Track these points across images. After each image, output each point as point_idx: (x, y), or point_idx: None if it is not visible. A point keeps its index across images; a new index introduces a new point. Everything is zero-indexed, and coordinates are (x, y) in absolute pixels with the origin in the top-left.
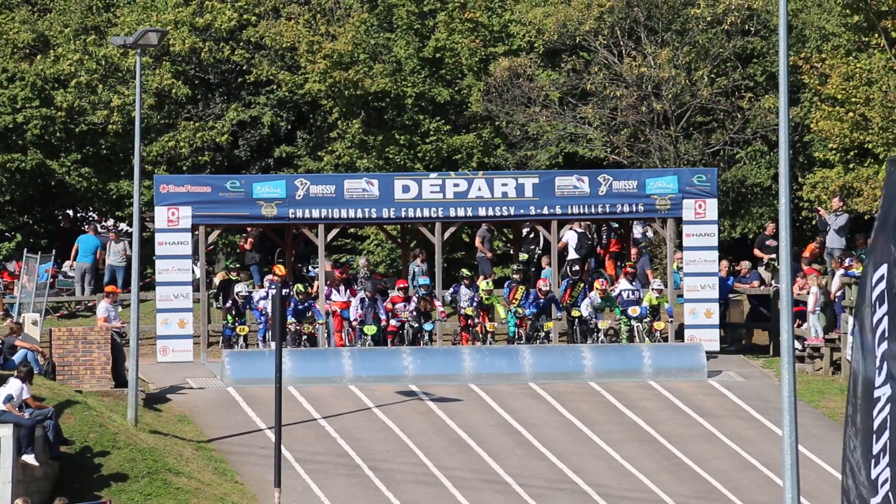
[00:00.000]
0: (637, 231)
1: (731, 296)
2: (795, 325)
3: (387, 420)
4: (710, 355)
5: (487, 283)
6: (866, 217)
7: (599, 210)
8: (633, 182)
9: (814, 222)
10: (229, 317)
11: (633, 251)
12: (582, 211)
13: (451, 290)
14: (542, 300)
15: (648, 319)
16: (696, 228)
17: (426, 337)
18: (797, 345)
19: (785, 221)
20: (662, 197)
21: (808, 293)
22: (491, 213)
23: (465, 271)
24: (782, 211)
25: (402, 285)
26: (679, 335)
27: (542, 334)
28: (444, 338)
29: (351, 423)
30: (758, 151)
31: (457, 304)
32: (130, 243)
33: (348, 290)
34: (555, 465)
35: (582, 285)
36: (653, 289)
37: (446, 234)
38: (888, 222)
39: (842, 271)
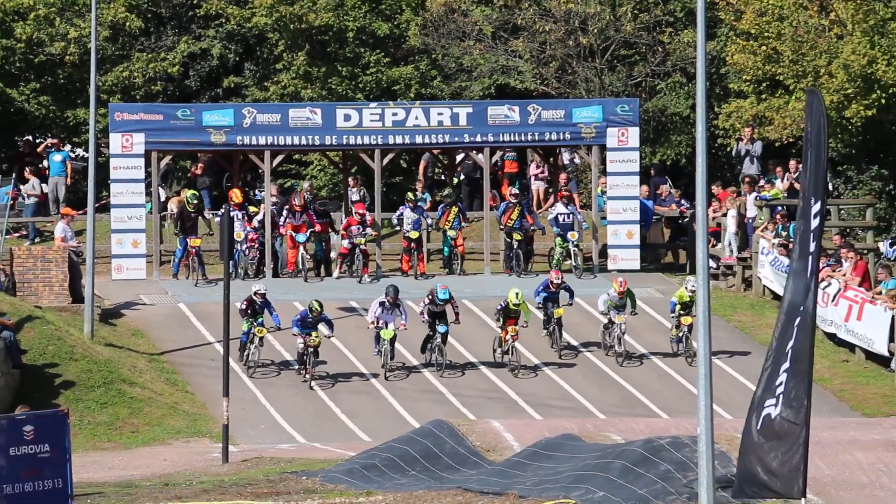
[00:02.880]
0: (565, 158)
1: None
2: (710, 245)
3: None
4: (630, 271)
5: (517, 294)
6: (777, 144)
7: (529, 138)
8: (561, 112)
9: (729, 149)
10: (245, 323)
11: (563, 176)
12: (512, 139)
13: (397, 213)
14: (553, 291)
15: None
16: (619, 155)
17: (438, 339)
18: (712, 263)
19: (701, 148)
20: (588, 126)
21: (725, 215)
22: (427, 140)
23: (409, 195)
24: (699, 138)
25: (360, 210)
26: (602, 255)
27: (554, 321)
28: (386, 258)
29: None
30: (677, 83)
31: (401, 226)
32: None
33: (304, 215)
34: (486, 377)
35: (519, 209)
36: (686, 288)
37: (385, 161)
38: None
39: (755, 195)
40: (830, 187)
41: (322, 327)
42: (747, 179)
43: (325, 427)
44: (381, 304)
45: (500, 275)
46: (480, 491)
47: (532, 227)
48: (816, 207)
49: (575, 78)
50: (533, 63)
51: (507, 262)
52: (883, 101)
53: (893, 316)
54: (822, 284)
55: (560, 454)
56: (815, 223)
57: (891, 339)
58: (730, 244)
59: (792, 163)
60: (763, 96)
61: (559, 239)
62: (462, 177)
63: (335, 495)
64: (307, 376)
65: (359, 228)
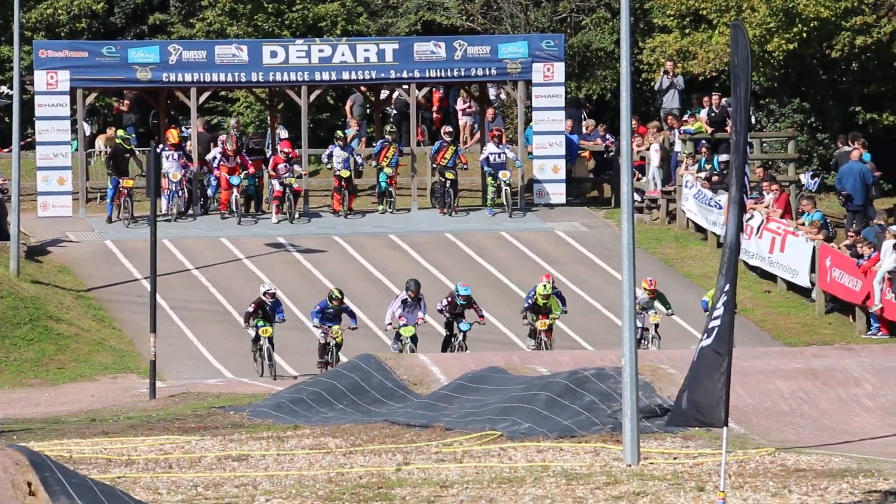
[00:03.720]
0: (491, 93)
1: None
2: (635, 179)
3: (256, 270)
4: (556, 206)
5: (545, 286)
6: (700, 79)
7: (455, 74)
8: (487, 47)
9: (653, 84)
10: (250, 329)
11: (490, 111)
12: (439, 75)
13: (327, 151)
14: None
15: None
16: (545, 90)
17: (460, 337)
18: (636, 197)
19: (625, 83)
20: (514, 61)
21: (649, 149)
22: (354, 77)
23: (339, 132)
24: (623, 73)
25: (285, 148)
26: (528, 189)
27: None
28: (315, 196)
29: (222, 273)
30: (602, 18)
31: (332, 163)
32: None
33: (237, 157)
34: None
35: (454, 148)
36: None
37: (312, 97)
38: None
39: (678, 129)
40: (753, 120)
41: (346, 319)
42: (671, 114)
43: (254, 363)
44: (403, 301)
45: (427, 210)
46: (407, 424)
47: (465, 166)
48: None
49: (500, 14)
50: None
51: (438, 201)
52: (804, 34)
53: (815, 247)
54: (746, 217)
55: (486, 387)
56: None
57: (812, 270)
58: (654, 178)
59: (715, 98)
60: (687, 31)
61: (490, 179)
62: (395, 111)
63: (262, 429)
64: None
65: (286, 167)
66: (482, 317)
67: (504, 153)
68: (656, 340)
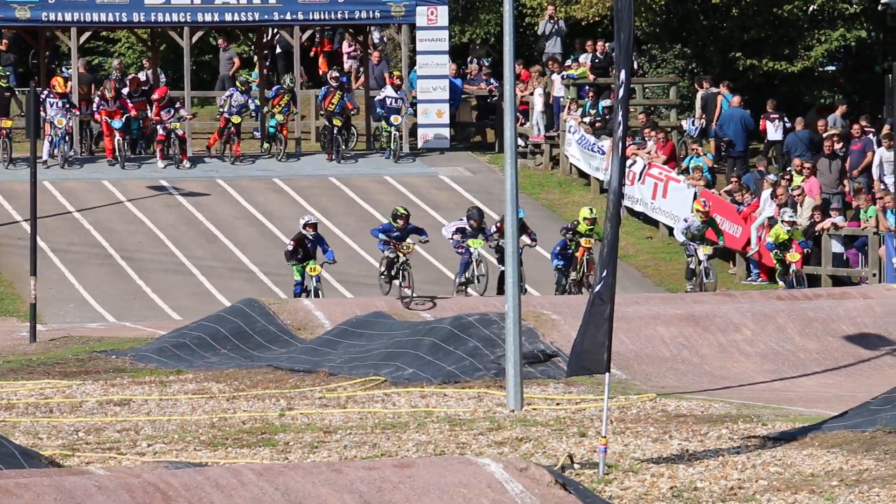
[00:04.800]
0: (375, 36)
1: (464, 96)
2: (518, 124)
3: (138, 213)
4: (440, 151)
5: (591, 209)
6: (583, 23)
7: (339, 16)
8: None
9: (535, 28)
10: (295, 269)
11: (375, 55)
12: (322, 17)
13: (227, 93)
14: (570, 248)
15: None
16: (429, 34)
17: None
18: (520, 142)
19: (508, 27)
20: (397, 4)
21: (532, 94)
22: (237, 18)
23: (244, 77)
24: (506, 17)
25: (161, 94)
26: (413, 133)
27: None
28: (201, 139)
29: (104, 215)
30: None
31: (227, 107)
32: None
33: (117, 101)
34: None
35: (340, 94)
36: (783, 221)
37: (194, 38)
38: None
39: (562, 74)
40: (635, 66)
41: (414, 237)
42: (553, 59)
43: (135, 306)
44: (461, 230)
45: (314, 155)
46: (291, 369)
47: (353, 111)
48: (623, 85)
49: None
50: None
51: (327, 147)
52: None
53: (696, 193)
54: (629, 163)
55: (370, 332)
56: (621, 101)
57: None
58: (537, 123)
59: (599, 43)
60: None
61: (384, 123)
62: (278, 49)
63: (145, 374)
64: (404, 292)
65: (169, 112)
66: (534, 240)
67: (402, 99)
68: (710, 272)
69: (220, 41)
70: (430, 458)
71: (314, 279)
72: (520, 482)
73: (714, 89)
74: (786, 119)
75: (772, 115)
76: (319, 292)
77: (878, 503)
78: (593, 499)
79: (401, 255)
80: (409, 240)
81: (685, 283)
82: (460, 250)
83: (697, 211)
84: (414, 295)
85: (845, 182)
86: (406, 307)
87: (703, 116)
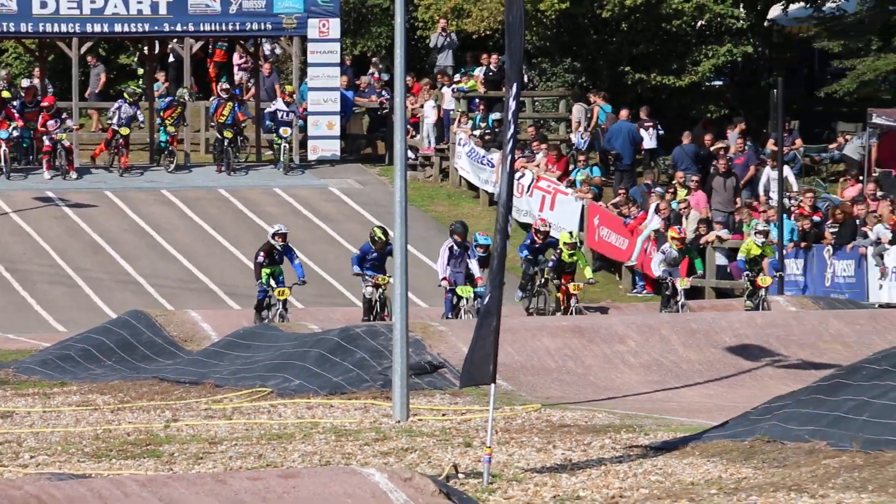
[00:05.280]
0: (266, 48)
1: (355, 108)
2: (409, 136)
3: (24, 225)
4: (330, 163)
5: (571, 234)
6: (475, 37)
7: (230, 28)
8: (262, 2)
9: (427, 41)
10: (264, 272)
11: (266, 66)
12: (214, 28)
13: (115, 105)
14: (538, 244)
15: None
16: (320, 46)
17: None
18: (410, 154)
19: (399, 40)
20: (289, 16)
21: (423, 107)
22: (127, 29)
23: (131, 88)
24: (398, 30)
25: (47, 103)
26: (303, 145)
27: (539, 283)
28: (88, 150)
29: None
30: None
31: (116, 119)
32: None
33: (2, 111)
34: (184, 266)
35: (231, 105)
36: (756, 232)
37: (83, 49)
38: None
39: (452, 87)
40: (526, 79)
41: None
42: (443, 72)
43: (20, 318)
44: (450, 249)
45: (204, 166)
46: (177, 380)
47: (244, 123)
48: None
49: None
50: None
51: (217, 159)
52: None
53: (584, 206)
54: (518, 175)
55: (258, 343)
56: (511, 114)
57: (581, 228)
58: (428, 135)
59: (493, 57)
60: None
61: (275, 136)
62: (172, 58)
63: (28, 386)
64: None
65: (56, 123)
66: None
67: (292, 111)
68: (685, 307)
69: (89, 59)
70: (315, 469)
71: (280, 302)
72: (404, 492)
73: (581, 104)
74: (659, 127)
75: (646, 123)
76: (283, 318)
77: None
78: None
79: (379, 288)
80: (387, 274)
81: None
82: (445, 284)
83: (672, 238)
84: None
85: (738, 200)
86: None
87: (588, 130)
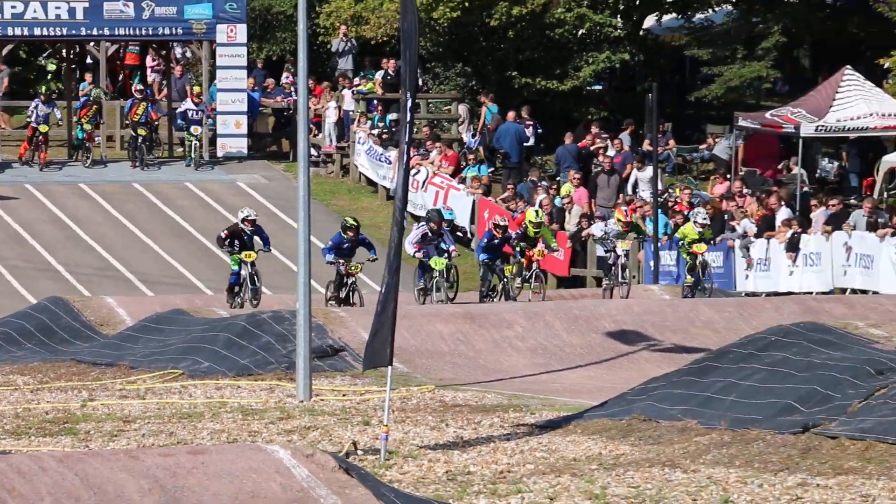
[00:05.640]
0: (177, 51)
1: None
2: (311, 135)
3: None
4: (238, 160)
5: (537, 212)
6: (373, 42)
7: (143, 32)
8: (174, 8)
9: (329, 46)
10: (231, 258)
11: (178, 69)
12: (128, 33)
13: (32, 105)
14: (497, 239)
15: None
16: (228, 50)
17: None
18: (313, 152)
19: (303, 44)
20: (199, 22)
21: (325, 107)
22: (45, 33)
23: (43, 87)
24: (301, 35)
25: None
26: (212, 143)
27: (503, 283)
28: (9, 145)
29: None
30: None
31: (34, 117)
32: None
33: None
34: (101, 256)
35: (145, 105)
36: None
37: (4, 52)
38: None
39: (352, 89)
40: (420, 82)
41: (363, 252)
42: (344, 75)
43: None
44: (424, 235)
45: (120, 162)
46: (93, 362)
47: (156, 121)
48: (409, 100)
49: None
50: None
51: (131, 155)
52: (466, 4)
53: (475, 200)
54: (413, 172)
55: (169, 328)
56: (408, 115)
57: (472, 222)
58: (329, 134)
59: (392, 62)
60: None
61: (186, 133)
62: (88, 60)
63: None
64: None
65: None
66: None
67: (202, 111)
68: (627, 269)
69: None
70: (222, 446)
71: (249, 265)
72: (306, 467)
73: (464, 104)
74: (538, 126)
75: (526, 122)
76: (255, 278)
77: (632, 485)
78: (374, 482)
79: (350, 275)
80: (356, 259)
81: (463, 283)
82: (419, 255)
83: (618, 220)
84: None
85: (620, 196)
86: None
87: (478, 130)
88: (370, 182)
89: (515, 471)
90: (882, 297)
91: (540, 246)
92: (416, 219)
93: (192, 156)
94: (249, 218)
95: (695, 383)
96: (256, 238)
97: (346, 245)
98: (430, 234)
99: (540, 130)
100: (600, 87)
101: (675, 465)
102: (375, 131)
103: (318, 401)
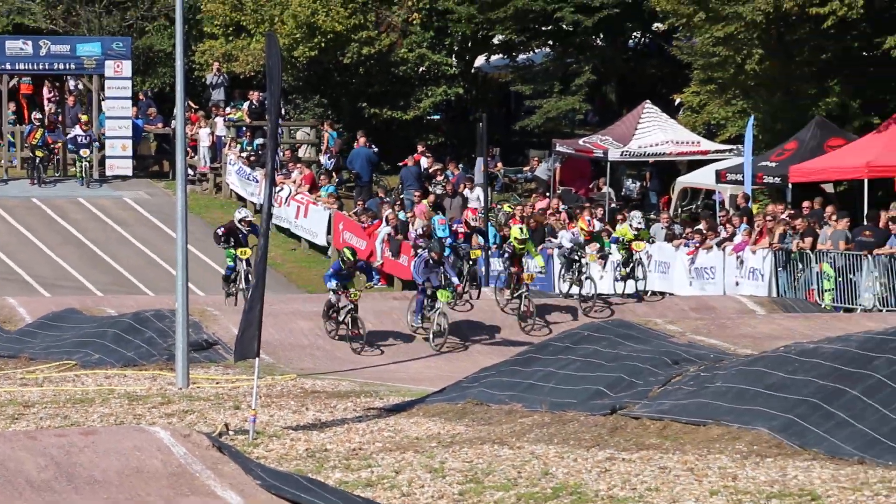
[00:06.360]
0: (71, 84)
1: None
2: (188, 157)
3: None
4: (124, 179)
5: (521, 229)
6: (242, 77)
7: (41, 67)
8: (67, 46)
9: (203, 80)
10: (227, 254)
11: (71, 99)
12: (28, 67)
13: None
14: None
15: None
16: (115, 83)
17: (439, 305)
18: (190, 171)
19: (180, 78)
20: (89, 58)
21: (200, 133)
22: None
23: None
24: (178, 71)
25: None
26: (102, 164)
27: (465, 283)
28: None
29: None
30: (162, 25)
31: None
32: None
33: None
34: (4, 262)
35: (42, 130)
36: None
37: None
38: (271, 82)
39: (224, 117)
40: (283, 112)
41: (362, 278)
42: (216, 105)
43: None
44: (426, 262)
45: (19, 180)
46: None
47: (52, 145)
48: (273, 127)
49: (79, 19)
50: (44, 5)
51: (30, 174)
52: (323, 44)
53: (331, 214)
54: (277, 189)
55: (65, 325)
56: (271, 140)
57: (328, 233)
58: (204, 156)
59: (256, 94)
60: (230, 38)
61: (77, 156)
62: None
63: None
64: (355, 344)
65: None
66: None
67: (90, 136)
68: (590, 282)
69: None
70: (111, 427)
71: (244, 262)
72: (183, 446)
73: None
74: (374, 147)
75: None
76: (249, 275)
77: (466, 459)
78: (243, 459)
79: (346, 302)
80: (354, 287)
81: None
82: (423, 286)
83: (582, 230)
84: (364, 343)
85: (465, 213)
86: (357, 353)
87: (323, 152)
88: (240, 198)
89: (366, 448)
90: (677, 297)
91: (531, 268)
92: (280, 229)
93: (84, 175)
94: (247, 219)
95: (519, 372)
96: (252, 236)
97: (344, 272)
98: (431, 262)
99: (376, 150)
100: (438, 117)
101: (503, 442)
102: (244, 154)
103: (195, 388)
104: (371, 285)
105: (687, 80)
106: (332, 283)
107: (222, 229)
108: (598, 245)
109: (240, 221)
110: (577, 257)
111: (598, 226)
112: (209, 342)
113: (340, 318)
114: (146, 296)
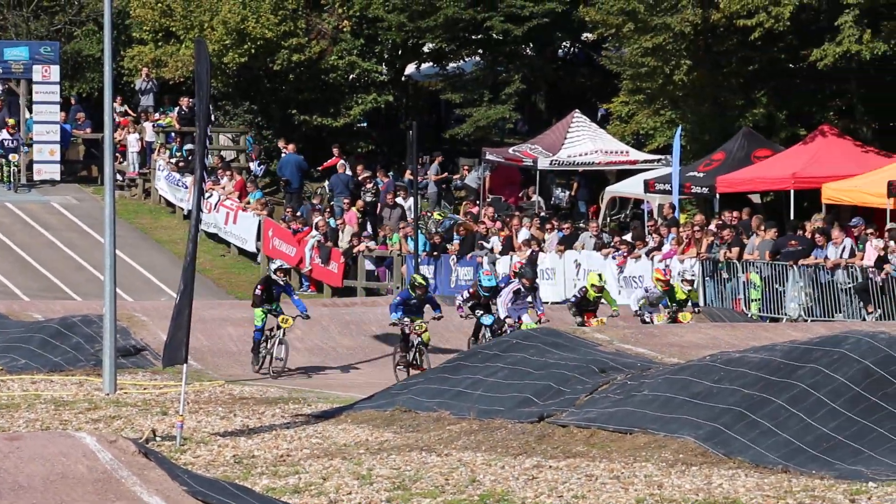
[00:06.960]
0: None
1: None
2: (117, 162)
3: None
4: (52, 183)
5: (600, 276)
6: (171, 82)
7: None
8: None
9: (132, 85)
10: (259, 312)
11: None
12: None
13: None
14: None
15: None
16: (44, 88)
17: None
18: (118, 176)
19: (108, 83)
20: (17, 62)
21: (129, 138)
22: None
23: None
24: (107, 76)
25: None
26: (30, 168)
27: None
28: None
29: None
30: (91, 30)
31: None
32: None
33: None
34: None
35: None
36: (683, 280)
37: None
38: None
39: (153, 123)
40: (213, 118)
41: (428, 310)
42: (145, 111)
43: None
44: (516, 292)
45: None
46: None
47: None
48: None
49: (6, 23)
50: None
51: None
52: (253, 51)
53: (260, 220)
54: (206, 195)
55: None
56: (200, 146)
57: (258, 239)
58: (133, 161)
59: (186, 100)
60: (160, 43)
61: (3, 160)
62: None
63: None
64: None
65: None
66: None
67: (17, 141)
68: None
69: None
70: (36, 433)
71: (283, 331)
72: (110, 452)
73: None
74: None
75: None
76: (284, 347)
77: (394, 466)
78: (170, 465)
79: (415, 336)
80: (421, 321)
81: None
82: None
83: (657, 280)
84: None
85: (401, 222)
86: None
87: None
88: (169, 203)
89: (294, 455)
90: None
91: (605, 315)
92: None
93: (12, 180)
94: (283, 268)
95: (448, 379)
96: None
97: (413, 302)
98: (522, 290)
99: (302, 157)
100: (367, 125)
101: (431, 449)
102: (173, 160)
103: (122, 393)
104: (439, 316)
105: (616, 90)
106: (397, 315)
107: (259, 288)
108: (666, 301)
109: (275, 272)
110: (646, 317)
111: (673, 274)
112: (137, 348)
113: (409, 356)
114: (74, 301)
